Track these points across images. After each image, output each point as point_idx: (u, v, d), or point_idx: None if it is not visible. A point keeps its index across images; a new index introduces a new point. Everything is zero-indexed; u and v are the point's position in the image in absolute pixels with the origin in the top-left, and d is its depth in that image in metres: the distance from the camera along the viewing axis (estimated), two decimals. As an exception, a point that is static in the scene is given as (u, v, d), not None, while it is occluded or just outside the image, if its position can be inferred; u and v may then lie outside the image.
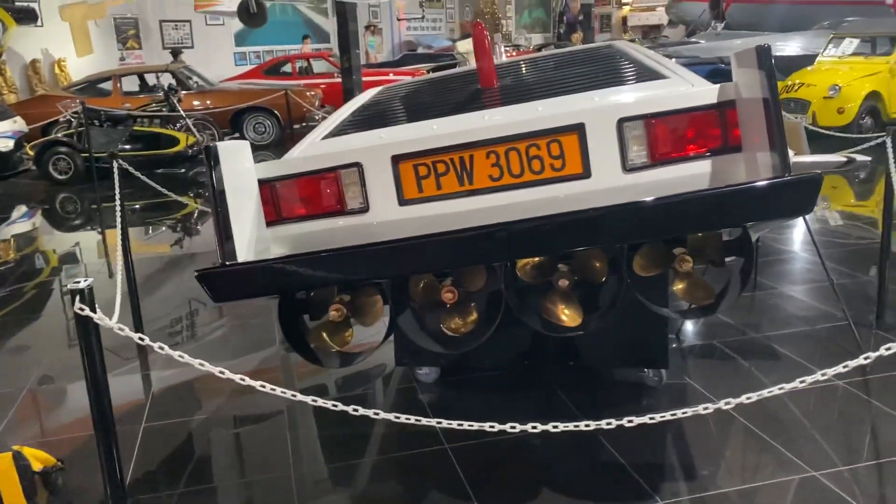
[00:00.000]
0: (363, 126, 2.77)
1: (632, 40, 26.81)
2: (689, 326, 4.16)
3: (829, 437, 3.00)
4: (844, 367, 2.22)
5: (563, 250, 2.33)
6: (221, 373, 2.07)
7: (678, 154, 2.34)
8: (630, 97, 2.43)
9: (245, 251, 2.39)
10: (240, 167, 2.47)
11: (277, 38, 18.11)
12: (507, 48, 22.20)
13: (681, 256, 2.27)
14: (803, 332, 4.06)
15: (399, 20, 22.33)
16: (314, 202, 2.54)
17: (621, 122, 2.35)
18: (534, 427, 2.27)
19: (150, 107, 10.80)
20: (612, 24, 29.59)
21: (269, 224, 2.58)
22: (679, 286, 2.40)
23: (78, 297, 1.85)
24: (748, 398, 2.23)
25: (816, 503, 2.61)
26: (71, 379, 3.97)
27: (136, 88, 12.44)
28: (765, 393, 2.24)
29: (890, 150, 3.84)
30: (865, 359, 2.20)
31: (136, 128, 10.06)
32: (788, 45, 13.83)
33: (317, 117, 12.50)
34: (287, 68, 14.85)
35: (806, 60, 11.35)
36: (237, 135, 12.00)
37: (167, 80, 11.87)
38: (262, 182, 2.55)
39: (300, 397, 2.18)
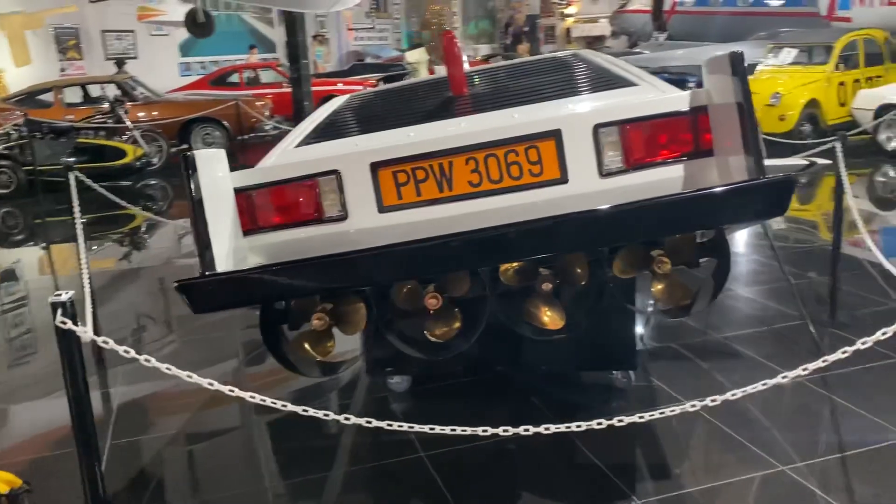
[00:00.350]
0: (336, 134, 2.76)
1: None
2: (651, 329, 4.24)
3: (792, 432, 3.09)
4: (804, 369, 2.29)
5: (547, 254, 2.36)
6: (211, 384, 2.02)
7: (652, 159, 2.40)
8: (604, 104, 2.48)
9: (224, 261, 2.36)
10: (216, 175, 2.44)
11: (223, 48, 17.86)
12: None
13: (659, 258, 2.32)
14: (761, 331, 4.18)
15: (349, 30, 22.28)
16: (291, 210, 2.52)
17: (597, 127, 2.40)
18: (505, 430, 2.28)
19: (94, 118, 10.54)
20: (557, 35, 30.04)
21: (245, 233, 2.55)
22: (657, 287, 2.45)
23: (60, 310, 1.80)
24: (713, 400, 2.28)
25: (786, 496, 2.69)
26: (22, 398, 3.85)
27: (79, 100, 12.12)
28: (728, 396, 2.29)
29: (840, 154, 3.99)
30: (823, 361, 2.26)
31: (80, 139, 9.80)
32: (728, 55, 14.24)
33: (266, 128, 12.38)
34: (234, 78, 14.65)
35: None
36: (186, 146, 11.80)
37: (112, 91, 11.61)
38: (237, 190, 2.52)
39: (269, 402, 2.13)
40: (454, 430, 2.37)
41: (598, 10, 30.53)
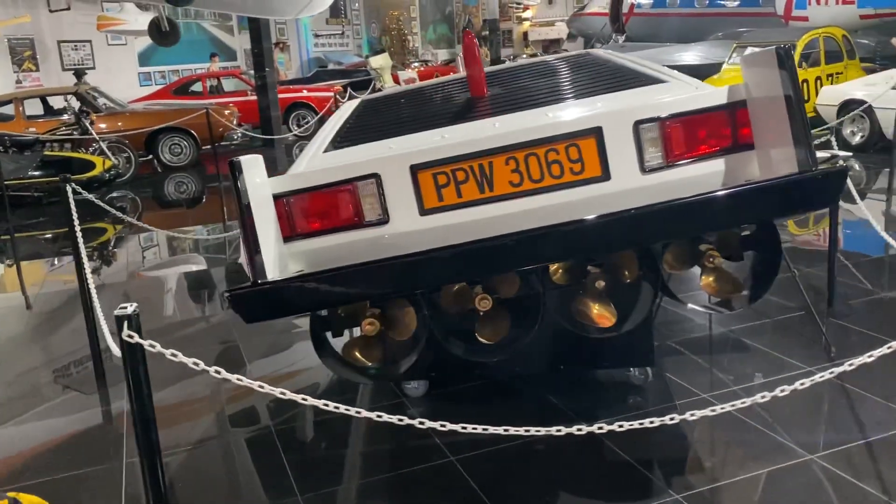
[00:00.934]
0: (364, 138, 2.73)
1: (533, 54, 27.55)
2: (658, 324, 4.27)
3: (815, 421, 3.15)
4: (850, 364, 2.28)
5: (611, 250, 2.35)
6: (284, 393, 1.96)
7: (693, 154, 2.42)
8: (643, 100, 2.49)
9: (272, 268, 2.31)
10: (256, 181, 2.39)
11: (183, 56, 17.61)
12: (415, 64, 22.39)
13: (709, 252, 2.34)
14: (764, 323, 4.24)
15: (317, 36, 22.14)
16: (331, 215, 2.48)
17: (637, 124, 2.41)
18: (538, 430, 2.25)
19: (59, 130, 10.27)
20: (514, 38, 30.28)
21: (285, 240, 2.50)
22: (708, 281, 2.47)
23: (126, 324, 1.73)
24: (742, 403, 2.24)
25: (818, 485, 2.73)
26: (34, 417, 3.73)
27: (40, 112, 11.81)
28: (757, 398, 2.26)
29: (835, 146, 4.09)
30: (850, 365, 2.26)
31: (46, 152, 9.54)
32: (687, 55, 14.57)
33: (235, 137, 12.21)
34: (197, 87, 14.45)
35: (706, 69, 11.94)
36: (150, 157, 11.58)
37: (74, 102, 11.33)
38: (276, 196, 2.47)
39: (311, 401, 2.06)
40: (486, 429, 2.34)
41: (554, 13, 30.93)
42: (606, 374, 3.64)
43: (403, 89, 3.51)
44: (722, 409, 2.24)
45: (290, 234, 2.48)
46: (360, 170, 2.47)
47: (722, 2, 17.15)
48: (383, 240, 2.46)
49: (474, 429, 2.35)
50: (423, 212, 2.47)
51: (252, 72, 14.04)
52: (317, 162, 2.60)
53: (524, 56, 26.53)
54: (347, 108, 3.21)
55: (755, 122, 2.38)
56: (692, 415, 2.37)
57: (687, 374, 3.66)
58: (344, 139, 2.77)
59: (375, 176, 2.46)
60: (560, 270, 2.47)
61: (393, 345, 2.51)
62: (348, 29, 23.89)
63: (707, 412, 2.29)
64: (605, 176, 2.42)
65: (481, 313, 2.44)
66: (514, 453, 3.02)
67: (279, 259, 2.39)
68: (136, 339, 1.73)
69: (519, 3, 29.65)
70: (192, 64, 17.73)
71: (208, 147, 12.01)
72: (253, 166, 2.38)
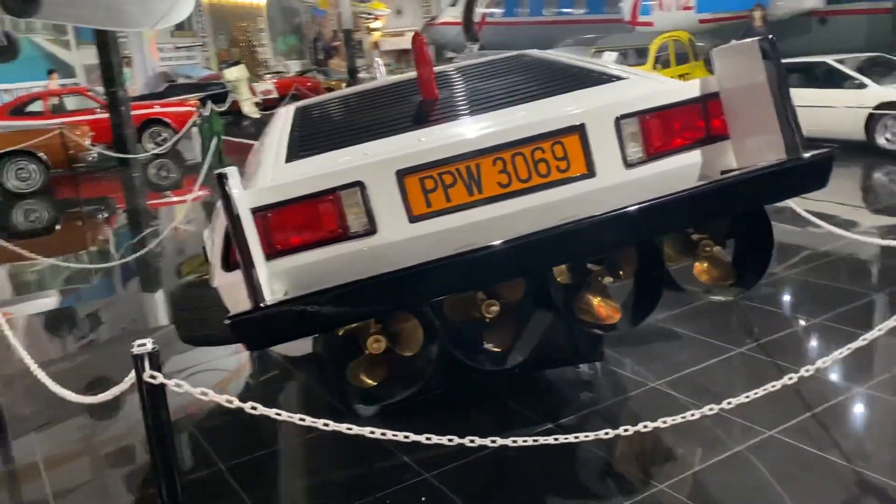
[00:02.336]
0: (325, 145, 2.56)
1: (387, 64, 27.62)
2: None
3: (757, 396, 3.28)
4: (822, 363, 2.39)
5: (617, 246, 2.32)
6: (303, 418, 1.78)
7: (671, 146, 2.45)
8: (621, 96, 2.50)
9: (266, 289, 2.10)
10: (235, 194, 2.16)
11: (14, 75, 16.19)
12: (268, 75, 21.83)
13: (702, 241, 2.37)
14: (685, 310, 4.41)
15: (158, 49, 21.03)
16: (312, 229, 2.30)
17: (619, 119, 2.41)
18: (514, 441, 2.21)
19: None
20: (365, 48, 30.24)
21: (266, 258, 2.29)
22: (702, 268, 2.50)
23: (147, 362, 1.49)
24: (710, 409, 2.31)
25: (783, 459, 2.84)
26: None
27: None
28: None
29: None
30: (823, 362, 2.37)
31: None
32: (545, 61, 15.07)
33: (91, 157, 11.36)
34: (36, 107, 13.32)
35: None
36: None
37: None
38: (254, 211, 2.25)
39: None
40: (451, 440, 2.24)
41: (403, 24, 31.18)
42: (556, 373, 3.65)
43: (341, 94, 3.34)
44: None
45: (269, 251, 2.26)
46: (342, 178, 2.31)
47: (570, 10, 17.93)
48: (371, 251, 2.32)
49: (450, 440, 2.25)
50: (413, 219, 2.34)
51: (99, 88, 13.14)
52: (286, 173, 2.41)
53: (385, 63, 26.51)
54: (284, 116, 3.01)
55: (730, 112, 2.45)
56: (664, 422, 2.39)
57: (629, 365, 3.74)
58: (302, 148, 2.59)
59: (358, 184, 2.31)
60: (564, 269, 2.43)
61: (399, 362, 2.36)
62: (197, 42, 22.93)
63: (678, 418, 2.33)
64: (591, 173, 2.41)
65: (487, 320, 2.36)
66: (490, 462, 2.95)
67: (268, 280, 2.18)
68: (160, 378, 1.50)
69: (369, 14, 29.64)
70: (25, 82, 16.34)
71: (59, 170, 11.13)
72: (233, 177, 2.17)
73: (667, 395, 3.34)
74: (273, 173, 2.42)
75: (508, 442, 2.27)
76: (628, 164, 2.43)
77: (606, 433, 2.28)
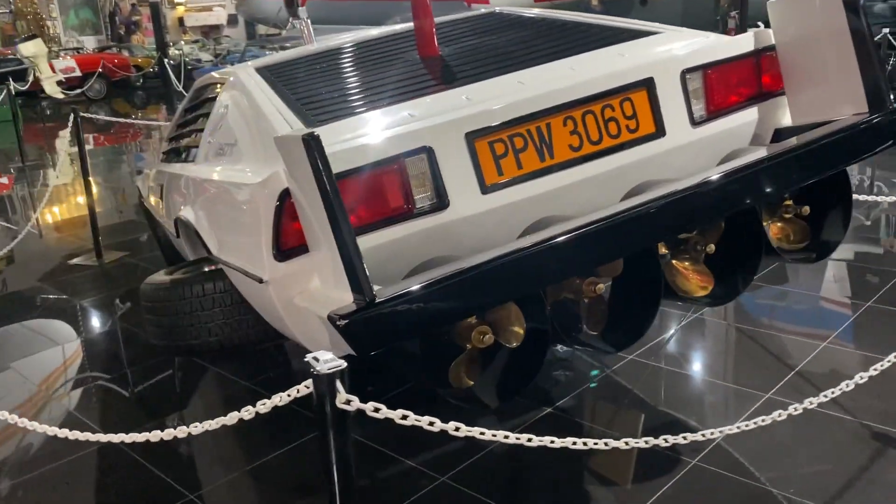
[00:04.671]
0: (345, 110, 2.16)
1: (196, 41, 25.88)
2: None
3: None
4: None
5: (736, 208, 2.11)
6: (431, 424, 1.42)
7: (731, 103, 2.32)
8: (685, 48, 2.31)
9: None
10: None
11: None
12: (63, 52, 19.63)
13: (786, 203, 2.26)
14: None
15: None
16: (371, 207, 1.90)
17: (684, 73, 2.23)
18: (529, 439, 1.99)
19: None
20: (168, 24, 28.12)
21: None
22: (784, 232, 2.38)
23: (340, 383, 1.07)
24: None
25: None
26: None
27: None
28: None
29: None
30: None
31: None
32: (381, 38, 14.84)
33: None
34: None
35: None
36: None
37: None
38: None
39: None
40: (483, 433, 1.94)
41: (210, -1, 29.38)
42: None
43: (313, 52, 2.86)
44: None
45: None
46: (407, 142, 1.93)
47: (399, -14, 17.72)
48: (443, 229, 1.96)
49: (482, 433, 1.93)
50: (486, 189, 2.02)
51: None
52: (337, 137, 1.96)
53: (193, 40, 24.81)
54: (247, 80, 2.51)
55: (787, 66, 2.35)
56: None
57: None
58: (317, 113, 2.16)
59: (426, 150, 1.95)
60: None
61: (504, 353, 2.02)
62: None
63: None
64: (660, 132, 2.21)
65: (586, 301, 2.09)
66: (506, 456, 2.72)
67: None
68: (357, 403, 1.10)
69: (173, -14, 27.63)
70: None
71: None
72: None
73: (612, 382, 3.25)
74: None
75: (523, 440, 1.94)
76: (695, 122, 2.27)
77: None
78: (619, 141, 2.18)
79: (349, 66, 2.62)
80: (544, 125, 2.09)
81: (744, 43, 2.40)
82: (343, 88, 2.39)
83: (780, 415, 2.09)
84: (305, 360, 1.27)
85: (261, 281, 1.95)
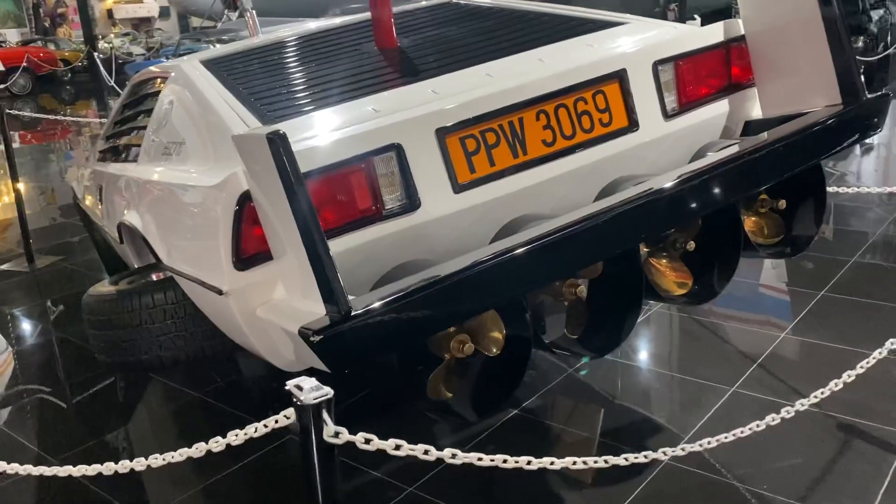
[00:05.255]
0: (302, 106, 2.03)
1: (126, 34, 25.05)
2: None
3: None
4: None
5: (713, 207, 2.04)
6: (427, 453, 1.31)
7: (702, 95, 2.27)
8: (655, 38, 2.24)
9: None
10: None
11: None
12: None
13: (761, 197, 2.21)
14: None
15: None
16: (337, 209, 1.77)
17: (656, 64, 2.17)
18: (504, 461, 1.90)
19: None
20: (97, 16, 27.14)
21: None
22: (760, 224, 2.34)
23: (327, 414, 0.94)
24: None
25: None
26: None
27: None
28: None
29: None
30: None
31: None
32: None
33: None
34: None
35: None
36: None
37: None
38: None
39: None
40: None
41: (142, -11, 28.49)
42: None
43: (257, 45, 2.70)
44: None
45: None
46: (375, 140, 1.81)
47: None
48: (413, 231, 1.85)
49: (460, 454, 1.82)
50: (458, 188, 1.91)
51: None
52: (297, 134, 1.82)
53: (123, 33, 24.01)
54: (192, 73, 2.35)
55: (758, 57, 2.30)
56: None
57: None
58: (272, 109, 2.02)
59: (395, 147, 1.83)
60: None
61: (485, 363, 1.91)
62: None
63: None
64: (633, 125, 2.14)
65: (566, 303, 2.00)
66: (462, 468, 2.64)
67: None
68: (346, 436, 0.98)
69: (101, -23, 26.69)
70: None
71: None
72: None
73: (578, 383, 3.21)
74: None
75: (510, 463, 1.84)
76: (667, 115, 2.21)
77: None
78: (593, 135, 2.11)
79: (303, 59, 2.48)
80: (517, 120, 2.00)
81: (714, 33, 2.36)
82: (298, 83, 2.25)
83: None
84: (287, 388, 1.14)
85: (220, 292, 1.80)
